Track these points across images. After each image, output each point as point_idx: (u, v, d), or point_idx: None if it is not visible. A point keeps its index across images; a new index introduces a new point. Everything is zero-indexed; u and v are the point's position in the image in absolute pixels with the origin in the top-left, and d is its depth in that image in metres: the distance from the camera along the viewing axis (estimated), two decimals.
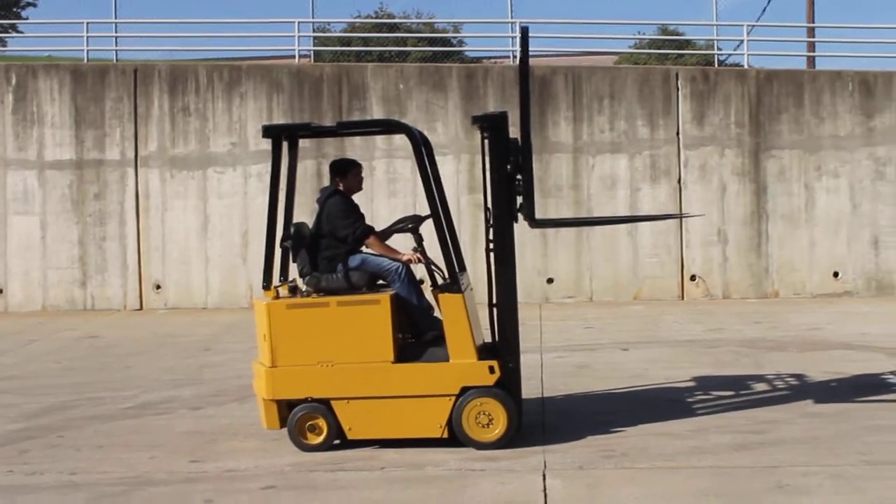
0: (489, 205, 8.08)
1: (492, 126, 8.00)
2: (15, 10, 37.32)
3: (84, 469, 7.52)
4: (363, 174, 9.01)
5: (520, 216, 8.18)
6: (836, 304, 17.00)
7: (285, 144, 8.26)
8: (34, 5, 37.12)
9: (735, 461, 7.24)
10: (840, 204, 18.17)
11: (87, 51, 20.17)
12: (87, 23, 20.31)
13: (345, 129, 9.28)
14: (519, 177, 7.98)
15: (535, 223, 8.60)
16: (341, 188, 8.41)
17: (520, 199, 8.09)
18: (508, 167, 7.96)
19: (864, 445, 7.57)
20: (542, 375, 10.54)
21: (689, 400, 9.37)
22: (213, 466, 7.49)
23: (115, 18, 20.21)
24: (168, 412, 9.58)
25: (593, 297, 18.09)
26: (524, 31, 8.26)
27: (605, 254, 18.17)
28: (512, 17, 19.26)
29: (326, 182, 8.93)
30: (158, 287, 18.42)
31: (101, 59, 20.00)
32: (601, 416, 8.66)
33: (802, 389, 9.76)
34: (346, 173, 8.50)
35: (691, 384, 10.14)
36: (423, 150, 8.11)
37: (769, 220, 18.18)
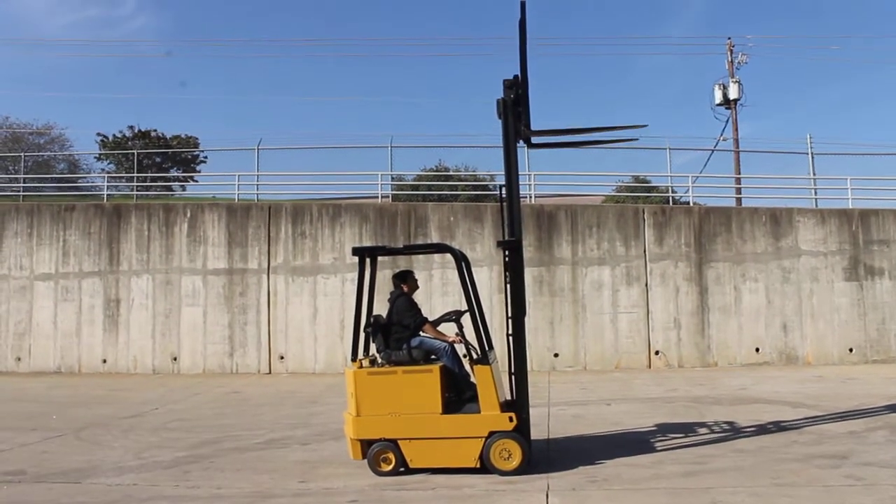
0: (509, 304, 8.15)
1: (510, 248, 8.13)
2: (192, 165, 38.49)
3: (226, 485, 7.60)
4: (423, 280, 9.14)
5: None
6: (758, 371, 16.68)
7: (368, 260, 8.42)
8: (205, 161, 38.36)
9: (683, 484, 7.15)
10: (759, 300, 17.96)
11: (238, 194, 20.69)
12: (238, 174, 20.92)
13: (408, 250, 9.43)
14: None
15: (531, 142, 8.67)
16: (405, 290, 8.52)
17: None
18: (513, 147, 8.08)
19: (774, 472, 7.49)
20: (548, 423, 10.46)
21: (652, 440, 9.24)
22: (315, 485, 7.52)
23: (257, 171, 20.78)
24: (285, 446, 9.61)
25: (587, 366, 17.87)
26: (522, 4, 8.09)
27: (595, 336, 18.01)
28: (529, 170, 19.37)
29: None
30: (282, 357, 18.52)
31: (246, 199, 20.42)
32: (589, 452, 8.58)
33: (732, 432, 9.59)
34: (406, 280, 8.63)
35: (653, 429, 10.00)
36: (461, 264, 8.24)
37: (710, 312, 17.98)
